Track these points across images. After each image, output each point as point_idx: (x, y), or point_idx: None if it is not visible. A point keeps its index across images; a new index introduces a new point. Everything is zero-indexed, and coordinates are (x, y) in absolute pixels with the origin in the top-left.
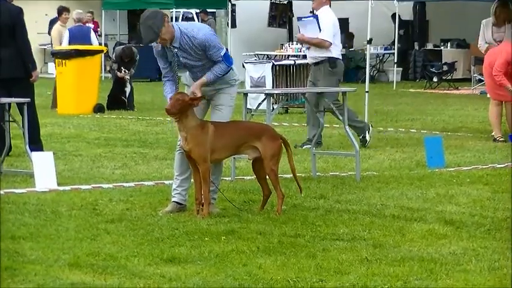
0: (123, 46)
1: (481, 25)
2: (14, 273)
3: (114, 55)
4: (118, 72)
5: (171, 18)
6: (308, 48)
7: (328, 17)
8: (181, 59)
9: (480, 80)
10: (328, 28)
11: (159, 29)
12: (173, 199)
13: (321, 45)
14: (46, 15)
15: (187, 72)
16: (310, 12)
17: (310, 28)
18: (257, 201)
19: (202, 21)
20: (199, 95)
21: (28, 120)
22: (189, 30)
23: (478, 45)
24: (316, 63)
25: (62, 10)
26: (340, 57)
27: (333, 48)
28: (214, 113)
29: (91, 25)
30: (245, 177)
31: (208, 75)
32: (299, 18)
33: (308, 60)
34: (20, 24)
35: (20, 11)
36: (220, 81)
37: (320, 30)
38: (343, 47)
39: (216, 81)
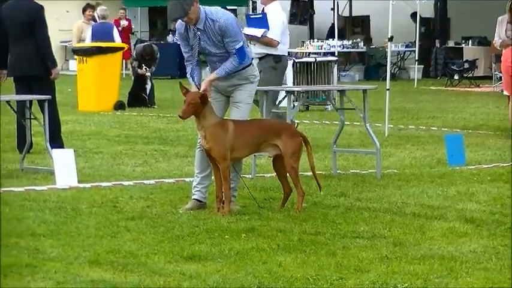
0: (143, 44)
1: (497, 21)
2: (34, 270)
3: (135, 53)
4: (139, 70)
5: None
6: (254, 44)
7: (277, 15)
8: (202, 42)
9: (501, 78)
10: (276, 26)
11: (188, 6)
12: (193, 196)
13: (269, 44)
14: (67, 11)
15: (207, 68)
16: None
17: (259, 26)
18: (277, 199)
19: None
20: (209, 91)
21: (49, 117)
22: (213, 14)
23: (494, 42)
24: (260, 58)
25: (86, 7)
26: (286, 54)
27: (280, 46)
28: (233, 110)
29: (125, 22)
30: (265, 175)
31: (219, 71)
32: (247, 16)
33: (253, 56)
34: (40, 21)
35: (40, 8)
36: (238, 77)
37: (268, 28)
38: (364, 45)
39: (234, 77)
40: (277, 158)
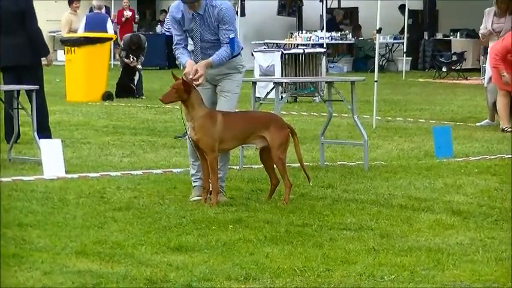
0: (131, 34)
1: (484, 13)
2: (21, 260)
3: (122, 43)
4: (126, 60)
5: None
6: None
7: None
8: (199, 27)
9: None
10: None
11: None
12: (195, 184)
13: None
14: (55, 2)
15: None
16: None
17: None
18: (265, 190)
19: None
20: (201, 72)
21: (37, 107)
22: (213, 0)
23: (480, 33)
24: None
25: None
26: None
27: None
28: (220, 100)
29: (129, 12)
30: (253, 166)
31: (214, 58)
32: None
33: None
34: (30, 11)
35: None
36: (228, 65)
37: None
38: (352, 37)
39: (223, 65)
40: (264, 150)
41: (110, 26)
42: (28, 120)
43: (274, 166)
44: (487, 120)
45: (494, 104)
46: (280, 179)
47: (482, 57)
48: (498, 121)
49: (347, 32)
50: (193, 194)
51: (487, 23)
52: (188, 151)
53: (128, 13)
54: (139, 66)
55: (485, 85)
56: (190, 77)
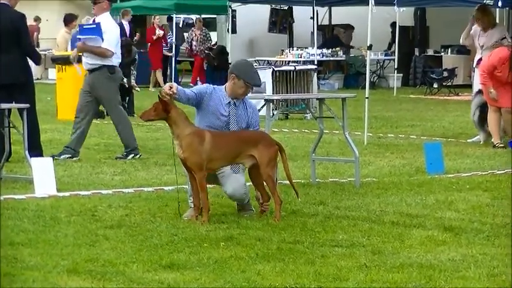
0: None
1: (469, 22)
2: (13, 279)
3: None
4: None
5: (173, 23)
6: (86, 56)
7: (110, 25)
8: (231, 117)
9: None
10: (111, 37)
11: None
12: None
13: (103, 54)
14: (47, 20)
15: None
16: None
17: (91, 36)
18: (256, 207)
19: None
20: (174, 85)
21: (28, 125)
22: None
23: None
24: (92, 70)
25: (71, 18)
26: (118, 65)
27: (114, 57)
28: None
29: (161, 32)
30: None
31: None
32: (80, 26)
33: (84, 67)
34: (24, 29)
35: (22, 16)
36: None
37: (102, 38)
38: (343, 54)
39: None
40: (253, 168)
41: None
42: (19, 138)
43: (264, 183)
44: (478, 136)
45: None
46: (271, 195)
47: (473, 74)
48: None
49: (338, 48)
50: (188, 213)
51: (475, 38)
52: (183, 168)
53: (159, 32)
54: (135, 84)
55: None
56: (165, 90)
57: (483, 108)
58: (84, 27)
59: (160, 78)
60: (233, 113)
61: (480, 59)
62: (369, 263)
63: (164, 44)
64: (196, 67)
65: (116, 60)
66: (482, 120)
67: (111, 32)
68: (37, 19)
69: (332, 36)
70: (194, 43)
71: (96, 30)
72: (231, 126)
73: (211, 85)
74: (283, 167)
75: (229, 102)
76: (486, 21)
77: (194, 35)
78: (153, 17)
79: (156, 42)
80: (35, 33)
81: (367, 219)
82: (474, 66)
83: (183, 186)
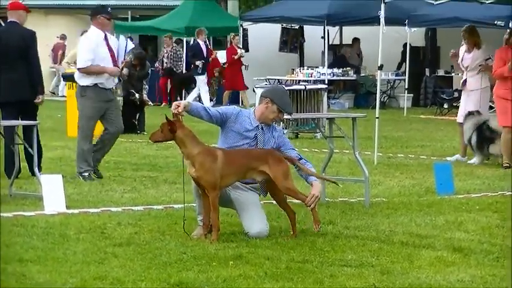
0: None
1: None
2: None
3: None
4: (131, 97)
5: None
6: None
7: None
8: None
9: (491, 107)
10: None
11: None
12: (201, 224)
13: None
14: (57, 37)
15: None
16: None
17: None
18: (274, 227)
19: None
20: (181, 103)
21: (31, 143)
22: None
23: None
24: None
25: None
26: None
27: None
28: None
29: (242, 51)
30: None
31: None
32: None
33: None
34: (34, 47)
35: (33, 34)
36: None
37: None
38: (354, 73)
39: None
40: (269, 184)
41: None
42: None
43: (286, 198)
44: (457, 155)
45: (469, 140)
46: (296, 208)
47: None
48: (468, 156)
49: (348, 68)
50: (197, 231)
51: (460, 57)
52: (193, 192)
53: (241, 51)
54: (147, 98)
55: (460, 121)
56: (172, 110)
57: (480, 130)
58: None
59: (246, 100)
60: (261, 138)
61: (465, 81)
62: (377, 283)
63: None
64: (162, 84)
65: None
66: (481, 143)
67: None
68: (63, 37)
69: (338, 56)
70: (165, 60)
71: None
72: None
73: (237, 107)
74: (305, 171)
75: (257, 126)
76: (472, 41)
77: (165, 51)
78: (231, 36)
79: (235, 62)
80: (60, 51)
81: (376, 239)
82: (460, 88)
83: (192, 204)
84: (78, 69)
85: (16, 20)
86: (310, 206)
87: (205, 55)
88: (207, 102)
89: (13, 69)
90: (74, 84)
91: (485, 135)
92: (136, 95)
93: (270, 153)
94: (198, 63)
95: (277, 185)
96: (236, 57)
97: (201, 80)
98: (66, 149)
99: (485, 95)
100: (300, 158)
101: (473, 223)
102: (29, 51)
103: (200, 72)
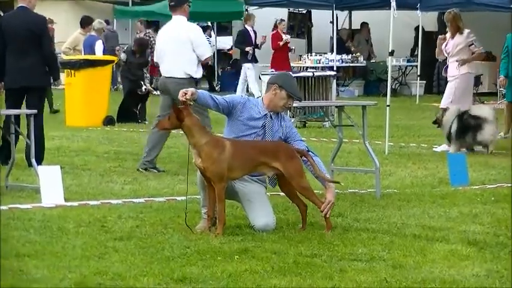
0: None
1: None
2: None
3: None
4: (143, 88)
5: None
6: None
7: None
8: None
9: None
10: None
11: None
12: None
13: None
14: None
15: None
16: None
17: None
18: (281, 220)
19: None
20: (189, 90)
21: (35, 134)
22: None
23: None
24: None
25: (89, 21)
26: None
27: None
28: None
29: (287, 36)
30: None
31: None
32: None
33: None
34: (47, 33)
35: (45, 20)
36: None
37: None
38: (364, 60)
39: None
40: (280, 178)
41: (98, 48)
42: (22, 146)
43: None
44: (444, 145)
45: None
46: (308, 203)
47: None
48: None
49: (358, 54)
50: (200, 224)
51: (443, 46)
52: (198, 184)
53: (286, 37)
54: (151, 87)
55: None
56: (180, 98)
57: (461, 118)
58: None
59: None
60: (269, 126)
61: (447, 67)
62: (389, 278)
63: None
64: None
65: None
66: (461, 132)
67: None
68: (50, 22)
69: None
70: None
71: None
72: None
73: (245, 96)
74: (314, 169)
75: (266, 115)
76: (454, 25)
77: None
78: (277, 21)
79: (282, 48)
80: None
81: (387, 232)
82: (443, 74)
83: (195, 196)
84: (206, 58)
85: (26, 5)
86: (325, 212)
87: (253, 43)
88: (256, 92)
89: (22, 55)
90: (73, 71)
91: (469, 124)
92: (143, 88)
93: (282, 148)
94: (248, 49)
95: (292, 183)
96: (282, 43)
97: (249, 68)
98: (64, 139)
99: (466, 82)
100: (308, 151)
101: (489, 215)
102: (42, 38)
103: (250, 59)
